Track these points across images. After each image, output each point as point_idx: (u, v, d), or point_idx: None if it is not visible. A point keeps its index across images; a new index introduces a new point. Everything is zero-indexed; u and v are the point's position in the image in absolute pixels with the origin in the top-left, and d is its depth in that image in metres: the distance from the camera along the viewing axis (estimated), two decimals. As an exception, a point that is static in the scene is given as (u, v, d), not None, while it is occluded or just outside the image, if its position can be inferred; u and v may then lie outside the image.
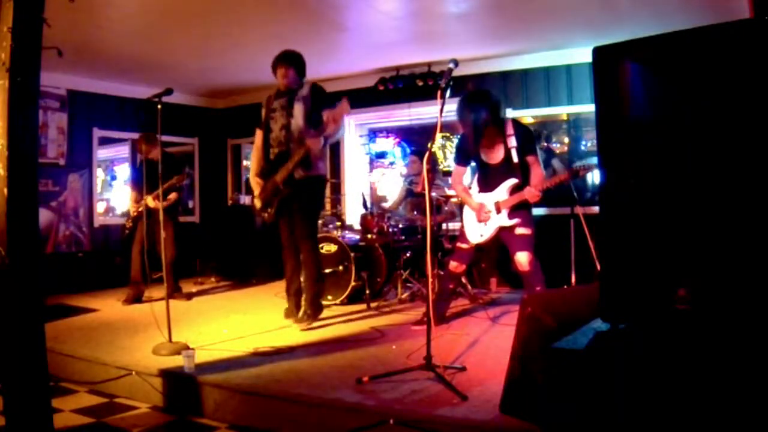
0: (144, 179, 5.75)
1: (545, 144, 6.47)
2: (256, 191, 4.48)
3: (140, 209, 5.72)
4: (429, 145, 3.44)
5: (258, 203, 4.48)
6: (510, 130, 4.03)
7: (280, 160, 4.32)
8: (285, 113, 4.32)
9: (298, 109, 4.27)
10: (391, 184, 7.59)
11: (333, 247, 5.53)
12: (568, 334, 1.72)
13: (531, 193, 3.91)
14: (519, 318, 2.23)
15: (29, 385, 2.41)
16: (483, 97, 3.96)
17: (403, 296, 5.60)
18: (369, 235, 5.84)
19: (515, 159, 4.02)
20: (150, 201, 5.56)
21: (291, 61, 4.32)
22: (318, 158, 4.34)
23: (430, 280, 3.56)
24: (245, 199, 8.15)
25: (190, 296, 6.12)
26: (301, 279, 4.53)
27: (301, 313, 4.51)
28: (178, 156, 8.01)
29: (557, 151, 6.48)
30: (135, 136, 7.27)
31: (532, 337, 2.09)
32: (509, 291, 6.20)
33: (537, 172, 4.02)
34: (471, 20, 5.32)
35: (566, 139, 6.45)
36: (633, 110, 1.53)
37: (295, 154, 4.21)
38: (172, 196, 5.81)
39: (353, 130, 7.82)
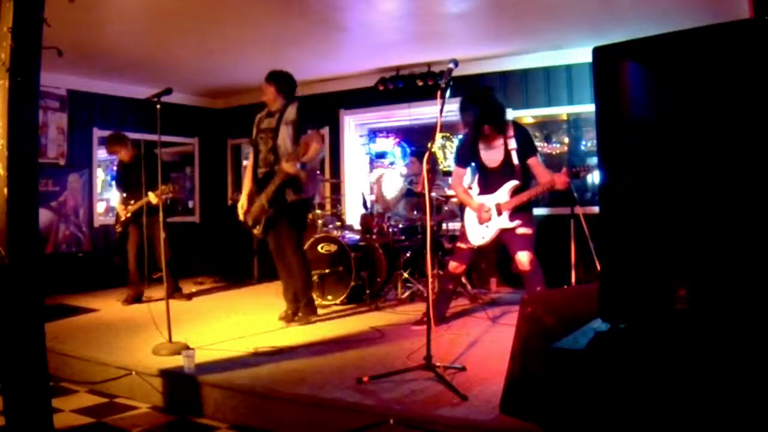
0: (123, 181, 5.77)
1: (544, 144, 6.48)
2: (240, 211, 4.61)
3: (128, 215, 5.70)
4: (429, 145, 3.44)
5: (249, 220, 4.59)
6: (510, 132, 4.05)
7: (266, 180, 4.43)
8: (272, 135, 4.40)
9: (285, 133, 4.35)
10: (390, 184, 7.58)
11: (333, 247, 5.52)
12: (568, 334, 1.72)
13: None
14: (519, 318, 2.24)
15: (29, 385, 2.41)
16: (480, 96, 4.05)
17: (403, 296, 5.60)
18: (369, 235, 5.84)
19: (515, 161, 4.03)
20: (152, 197, 5.47)
21: (271, 79, 4.42)
22: (307, 181, 4.42)
23: (430, 280, 3.56)
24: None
25: (190, 296, 6.13)
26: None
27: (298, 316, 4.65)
28: (171, 158, 8.02)
29: (557, 152, 6.48)
30: (135, 136, 7.27)
31: (533, 337, 2.09)
32: (509, 291, 6.20)
33: (543, 172, 4.04)
34: (471, 20, 5.32)
35: (566, 139, 6.45)
36: (633, 110, 1.53)
37: (276, 177, 4.32)
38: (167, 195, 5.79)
39: (353, 130, 7.82)
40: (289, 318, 4.64)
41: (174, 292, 5.77)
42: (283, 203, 4.39)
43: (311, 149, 4.24)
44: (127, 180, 5.76)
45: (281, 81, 4.45)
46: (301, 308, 4.62)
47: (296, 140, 4.31)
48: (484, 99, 4.03)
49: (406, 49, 6.18)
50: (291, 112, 4.39)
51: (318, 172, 4.77)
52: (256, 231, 4.58)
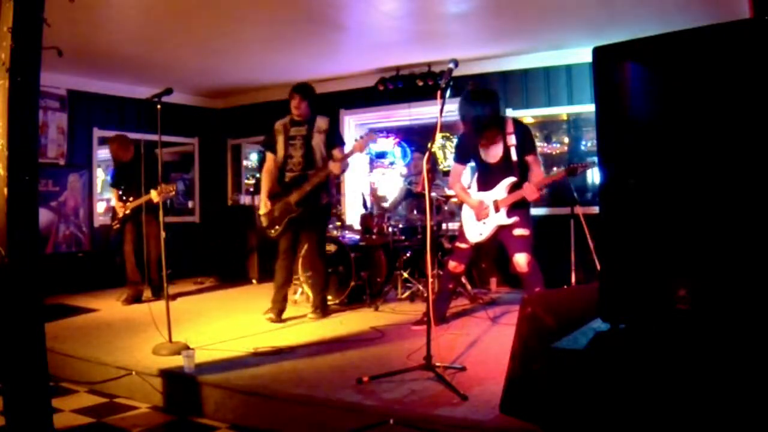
0: (121, 179, 5.76)
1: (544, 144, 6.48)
2: (264, 210, 4.84)
3: (127, 212, 5.71)
4: (429, 145, 3.44)
5: (264, 221, 4.85)
6: (510, 128, 4.04)
7: (295, 183, 4.71)
8: (304, 142, 4.74)
9: (318, 140, 4.73)
10: (390, 184, 7.58)
11: (333, 247, 5.52)
12: (568, 334, 1.72)
13: (530, 189, 3.88)
14: (519, 318, 2.24)
15: (29, 385, 2.41)
16: (486, 95, 3.99)
17: (403, 296, 5.60)
18: (369, 235, 5.84)
19: (514, 158, 4.02)
20: (154, 195, 5.45)
21: (305, 94, 4.75)
22: (332, 186, 4.88)
23: (430, 280, 3.56)
24: (245, 199, 8.13)
25: (174, 297, 6.08)
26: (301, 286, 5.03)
27: (312, 309, 4.94)
28: (171, 158, 8.01)
29: (557, 152, 6.48)
30: (135, 136, 7.27)
31: (533, 337, 2.09)
32: (509, 291, 6.20)
33: (537, 172, 4.01)
34: (471, 20, 5.32)
35: (566, 139, 6.45)
36: (633, 110, 1.54)
37: (315, 177, 4.63)
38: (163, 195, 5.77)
39: (353, 130, 7.82)
40: (276, 315, 4.73)
41: (160, 292, 5.75)
42: (315, 205, 4.70)
43: (356, 151, 4.67)
44: (126, 178, 5.76)
45: (309, 92, 4.79)
46: (317, 304, 4.90)
47: (329, 147, 4.71)
48: (491, 99, 3.96)
49: (406, 49, 6.18)
50: (323, 123, 4.76)
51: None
52: (273, 231, 4.78)
